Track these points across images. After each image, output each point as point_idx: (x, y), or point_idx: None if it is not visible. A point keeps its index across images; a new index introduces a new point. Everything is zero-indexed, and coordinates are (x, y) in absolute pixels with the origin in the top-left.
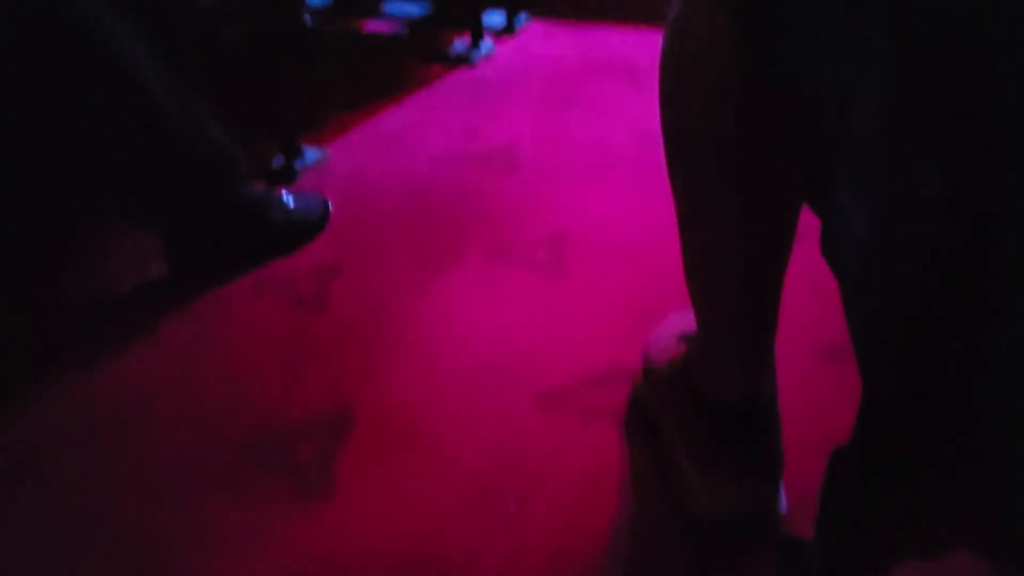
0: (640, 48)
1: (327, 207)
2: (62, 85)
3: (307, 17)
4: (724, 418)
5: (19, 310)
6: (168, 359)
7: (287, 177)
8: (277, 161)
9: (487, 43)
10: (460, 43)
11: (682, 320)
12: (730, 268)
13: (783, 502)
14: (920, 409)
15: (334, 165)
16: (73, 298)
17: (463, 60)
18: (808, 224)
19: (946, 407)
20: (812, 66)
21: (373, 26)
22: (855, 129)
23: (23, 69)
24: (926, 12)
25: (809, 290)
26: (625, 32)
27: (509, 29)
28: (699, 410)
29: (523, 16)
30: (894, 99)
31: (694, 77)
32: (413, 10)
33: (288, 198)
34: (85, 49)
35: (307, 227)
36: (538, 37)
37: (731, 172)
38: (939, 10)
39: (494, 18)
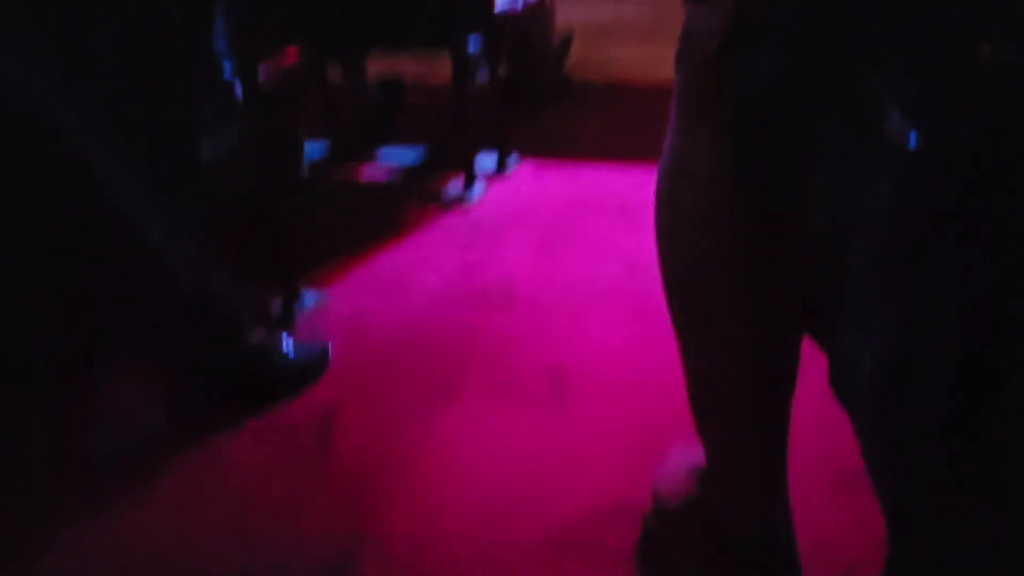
0: (629, 185)
1: (327, 350)
2: (62, 231)
3: (306, 168)
4: (741, 553)
5: (18, 461)
6: (168, 511)
7: (287, 322)
8: (277, 305)
9: (480, 185)
10: (454, 185)
11: (689, 453)
12: (736, 398)
13: None
14: (951, 537)
15: (333, 307)
16: (72, 448)
17: (457, 202)
18: (812, 351)
19: (976, 531)
20: (809, 207)
21: (369, 174)
22: (855, 267)
23: (22, 215)
24: (935, 136)
25: (816, 418)
26: (613, 169)
27: (501, 170)
28: (715, 546)
29: (514, 157)
30: (901, 231)
31: (692, 217)
32: (407, 157)
33: (288, 343)
34: (86, 197)
35: (308, 372)
36: (529, 177)
37: (732, 306)
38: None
39: (486, 160)
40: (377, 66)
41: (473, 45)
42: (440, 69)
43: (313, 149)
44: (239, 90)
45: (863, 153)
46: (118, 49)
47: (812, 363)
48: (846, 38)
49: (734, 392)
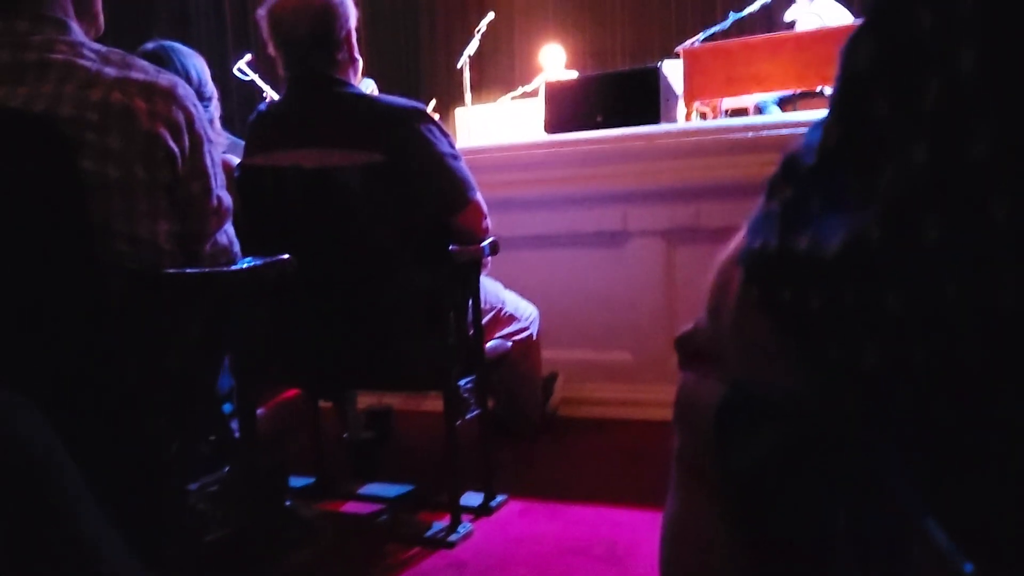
0: (616, 526)
1: None
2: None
3: (289, 503)
4: None
5: None
6: None
7: None
8: None
9: (465, 524)
10: (439, 524)
11: None
12: None
13: None
14: None
15: None
16: None
17: (441, 543)
18: None
19: None
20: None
21: (354, 510)
22: None
23: None
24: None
25: None
26: (600, 510)
27: (487, 509)
28: None
29: (500, 495)
30: None
31: None
32: (392, 491)
33: None
34: (57, 537)
35: None
36: (516, 516)
37: None
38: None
39: (472, 498)
40: (367, 394)
41: (463, 383)
42: (430, 398)
43: (299, 483)
44: (236, 429)
45: (889, 544)
46: (116, 389)
47: None
48: (855, 420)
49: None
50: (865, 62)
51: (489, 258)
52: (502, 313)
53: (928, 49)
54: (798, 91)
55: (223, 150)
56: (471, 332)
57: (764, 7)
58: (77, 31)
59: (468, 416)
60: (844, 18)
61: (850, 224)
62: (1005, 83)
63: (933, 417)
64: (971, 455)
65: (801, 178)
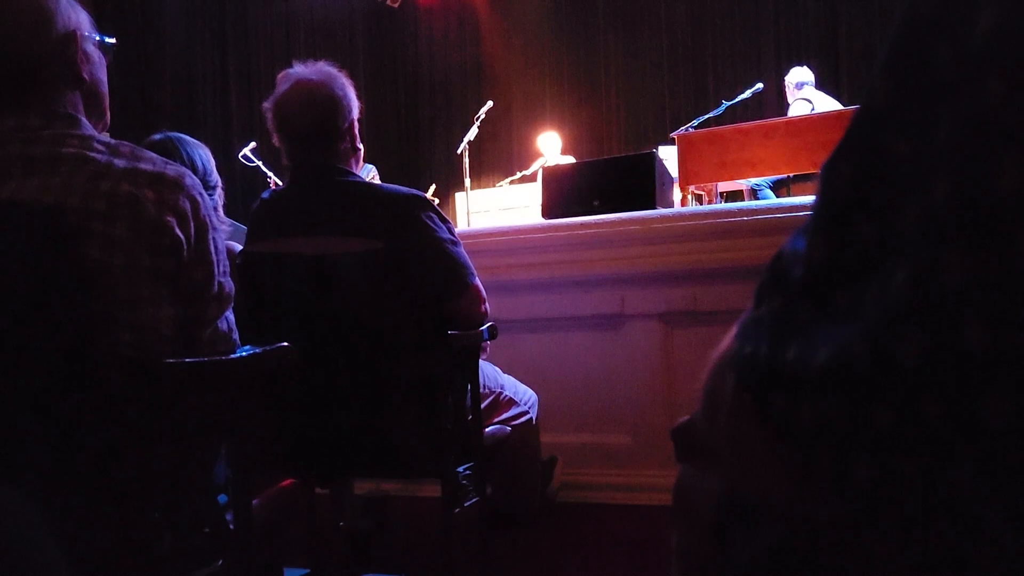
0: None
1: None
2: None
3: None
4: None
5: None
6: None
7: None
8: None
9: None
10: None
11: None
12: None
13: None
14: None
15: None
16: None
17: None
18: None
19: None
20: None
21: None
22: None
23: None
24: None
25: None
26: None
27: None
28: None
29: None
30: None
31: None
32: None
33: None
34: None
35: None
36: None
37: None
38: None
39: None
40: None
41: (462, 470)
42: (428, 483)
43: (293, 575)
44: (231, 521)
45: None
46: (111, 481)
47: None
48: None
49: None
50: (845, 185)
51: (488, 342)
52: (501, 397)
53: (904, 176)
54: (791, 175)
55: (226, 237)
56: (470, 417)
57: (756, 94)
58: (87, 125)
59: (466, 504)
60: (832, 105)
61: (836, 338)
62: (978, 210)
63: (926, 529)
64: (964, 565)
65: (789, 289)
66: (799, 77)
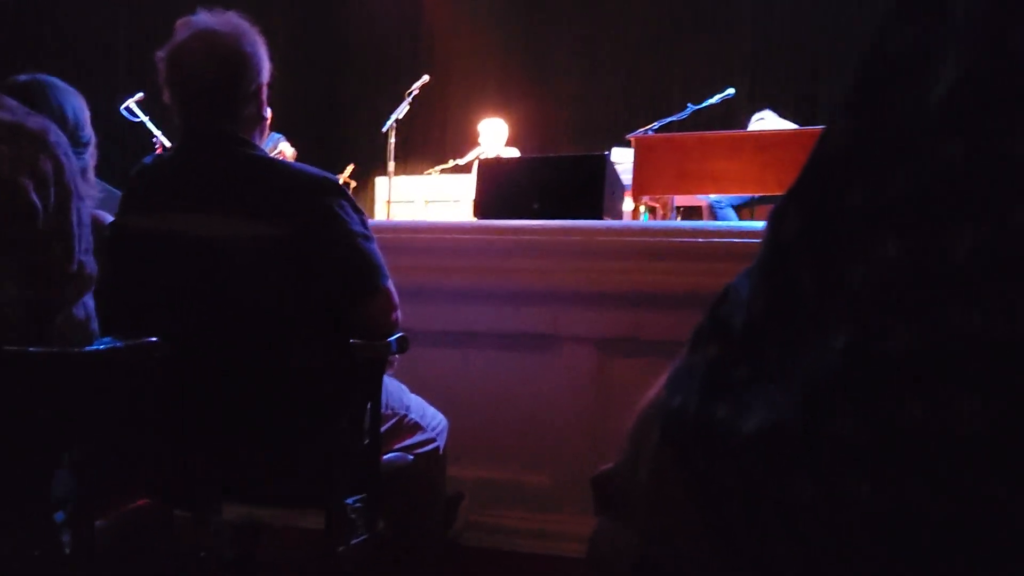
0: None
1: None
2: None
3: None
4: None
5: None
6: None
7: None
8: None
9: None
10: None
11: None
12: None
13: None
14: None
15: None
16: None
17: None
18: None
19: None
20: None
21: None
22: None
23: None
24: None
25: None
26: None
27: None
28: None
29: None
30: None
31: None
32: None
33: None
34: None
35: None
36: None
37: None
38: None
39: None
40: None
41: (351, 501)
42: (310, 514)
43: None
44: (68, 544)
45: None
46: None
47: None
48: None
49: None
50: (792, 232)
51: (396, 356)
52: (406, 421)
53: (854, 230)
54: (756, 196)
55: (96, 205)
56: (366, 441)
57: (725, 101)
58: None
59: (354, 541)
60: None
61: (769, 404)
62: (930, 275)
63: None
64: None
65: (727, 339)
66: (760, 115)
